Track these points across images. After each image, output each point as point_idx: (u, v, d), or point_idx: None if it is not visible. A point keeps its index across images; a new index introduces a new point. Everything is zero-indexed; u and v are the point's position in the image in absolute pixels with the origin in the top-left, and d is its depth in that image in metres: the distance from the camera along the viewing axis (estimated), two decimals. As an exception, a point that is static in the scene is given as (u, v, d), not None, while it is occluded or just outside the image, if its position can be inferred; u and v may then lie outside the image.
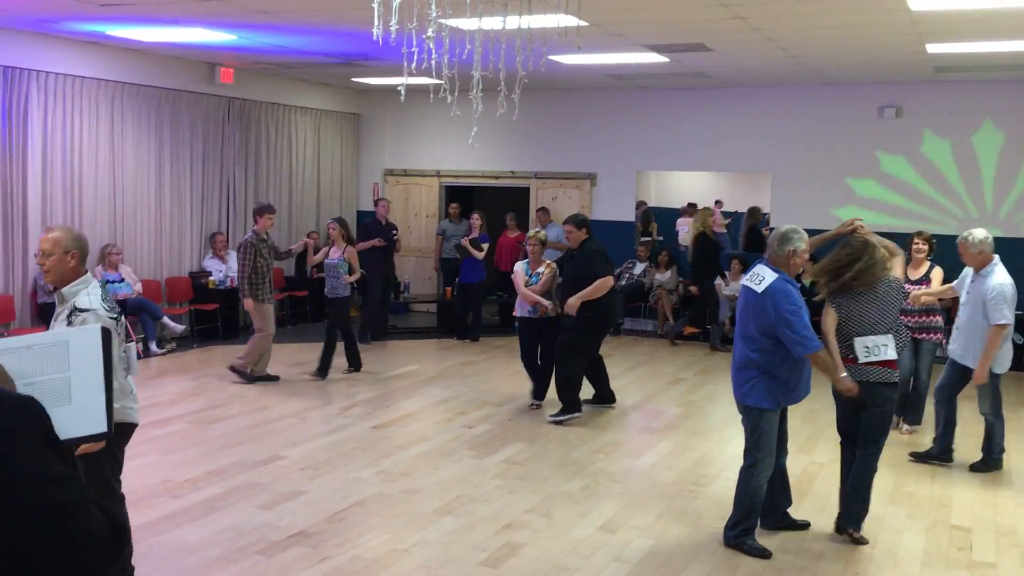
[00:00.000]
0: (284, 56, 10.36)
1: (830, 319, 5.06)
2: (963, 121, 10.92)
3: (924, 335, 7.25)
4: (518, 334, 8.34)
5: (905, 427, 7.49)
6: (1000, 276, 6.26)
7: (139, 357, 9.72)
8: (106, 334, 1.61)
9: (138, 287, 10.22)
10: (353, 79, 12.51)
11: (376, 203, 11.93)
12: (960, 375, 6.55)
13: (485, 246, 11.55)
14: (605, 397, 8.28)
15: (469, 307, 11.52)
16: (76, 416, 1.50)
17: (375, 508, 5.56)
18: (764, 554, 4.94)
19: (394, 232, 11.40)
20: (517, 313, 8.22)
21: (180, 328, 10.49)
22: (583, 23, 7.37)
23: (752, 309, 4.84)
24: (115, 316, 3.78)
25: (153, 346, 10.00)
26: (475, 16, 6.02)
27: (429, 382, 9.15)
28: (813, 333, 4.75)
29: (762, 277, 4.83)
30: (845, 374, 4.94)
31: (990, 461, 6.61)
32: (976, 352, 6.30)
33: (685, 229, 15.40)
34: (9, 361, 1.53)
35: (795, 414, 5.15)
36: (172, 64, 10.82)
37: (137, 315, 9.99)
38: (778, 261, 4.87)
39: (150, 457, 6.35)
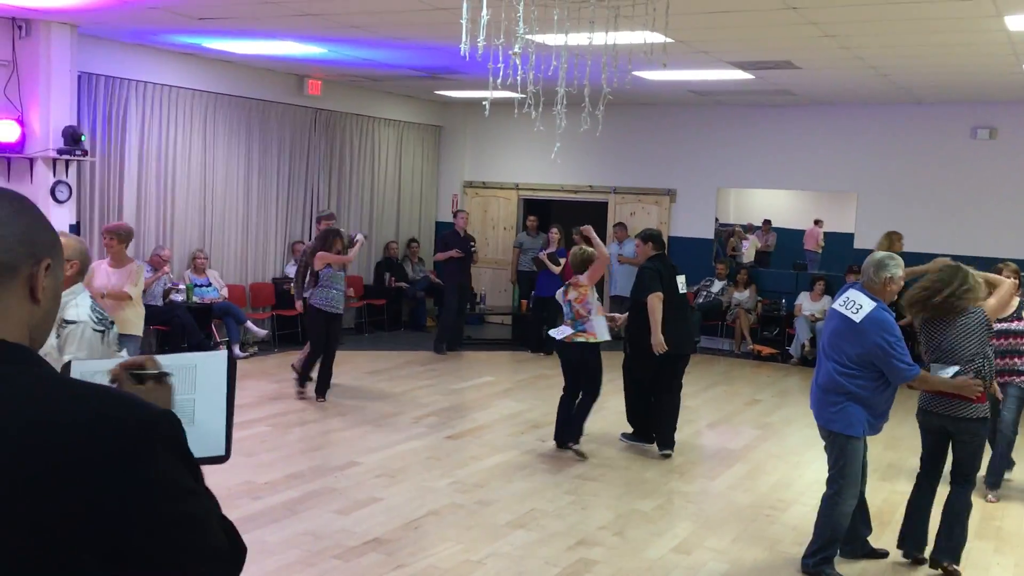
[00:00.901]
0: (370, 69, 10.57)
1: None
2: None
3: (1007, 378, 6.31)
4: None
5: (990, 495, 6.40)
6: None
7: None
8: (232, 361, 1.66)
9: (224, 292, 10.51)
10: (436, 92, 12.68)
11: (455, 214, 12.06)
12: None
13: (563, 260, 11.55)
14: (644, 434, 7.40)
15: (544, 320, 11.53)
16: (197, 438, 1.54)
17: (449, 518, 5.61)
18: None
19: (472, 244, 11.50)
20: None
21: (263, 333, 10.75)
22: (669, 40, 7.35)
23: (847, 336, 4.74)
24: (102, 329, 3.64)
25: (236, 349, 10.27)
26: (561, 32, 6.06)
27: (503, 394, 9.19)
28: (911, 360, 4.73)
29: (859, 305, 4.74)
30: (952, 373, 4.80)
31: None
32: None
33: (746, 246, 15.21)
34: None
35: (877, 441, 5.04)
36: (263, 76, 11.13)
37: (223, 319, 10.28)
38: (874, 288, 4.79)
39: (233, 458, 6.48)
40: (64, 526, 1.16)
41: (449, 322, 11.37)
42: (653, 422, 7.30)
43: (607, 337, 7.05)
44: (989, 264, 6.31)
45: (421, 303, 13.17)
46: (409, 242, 13.60)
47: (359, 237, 8.99)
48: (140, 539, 1.19)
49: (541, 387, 9.55)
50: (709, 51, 8.20)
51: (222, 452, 1.60)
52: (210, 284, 10.38)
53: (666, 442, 7.18)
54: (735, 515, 5.92)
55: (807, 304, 11.59)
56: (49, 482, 1.17)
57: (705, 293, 12.29)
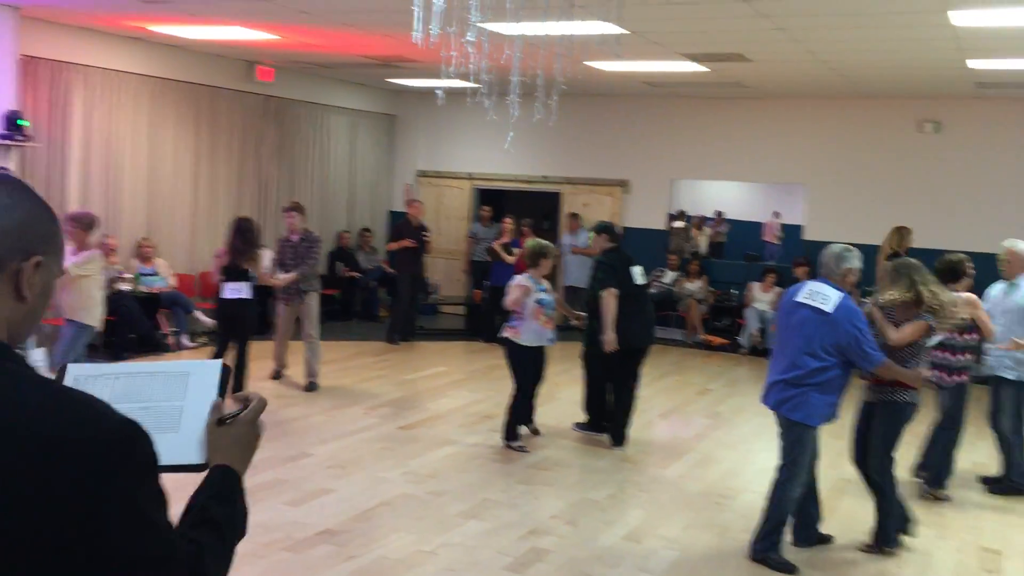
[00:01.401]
0: (323, 55, 10.45)
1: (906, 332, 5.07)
2: (1002, 137, 10.80)
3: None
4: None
5: (932, 491, 6.37)
6: None
7: (170, 350, 9.92)
8: (226, 371, 1.64)
9: (172, 281, 10.33)
10: (389, 80, 12.59)
11: (408, 204, 11.99)
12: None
13: (516, 251, 11.56)
14: (597, 424, 7.40)
15: (498, 310, 11.52)
16: (178, 444, 1.54)
17: (401, 509, 5.58)
18: (790, 568, 4.91)
19: (425, 233, 11.44)
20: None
21: (211, 322, 10.58)
22: (623, 31, 7.37)
23: (820, 327, 4.81)
24: None
25: (185, 339, 10.11)
26: (515, 21, 6.04)
27: (456, 384, 9.17)
28: (877, 347, 4.90)
29: (826, 296, 4.85)
30: (919, 370, 5.13)
31: (1011, 484, 6.47)
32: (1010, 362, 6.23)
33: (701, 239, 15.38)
34: (134, 384, 1.59)
35: (825, 429, 5.11)
36: (211, 61, 10.95)
37: (170, 308, 10.11)
38: (835, 278, 4.95)
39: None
40: (19, 544, 1.10)
41: (402, 312, 11.32)
42: (608, 415, 7.32)
43: (533, 343, 6.87)
44: (935, 255, 6.44)
45: (374, 293, 13.09)
46: (362, 231, 13.50)
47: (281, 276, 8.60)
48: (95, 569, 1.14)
49: (495, 378, 9.54)
50: (662, 43, 8.24)
51: (202, 460, 1.56)
52: (156, 273, 10.20)
53: (619, 439, 7.19)
54: (686, 503, 5.98)
55: (758, 295, 11.74)
56: (13, 493, 1.11)
57: (657, 284, 12.38)
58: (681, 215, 14.48)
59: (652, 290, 12.29)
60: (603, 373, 7.26)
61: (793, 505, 5.01)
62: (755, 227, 16.94)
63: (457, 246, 13.68)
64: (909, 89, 10.47)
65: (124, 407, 1.26)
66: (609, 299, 6.92)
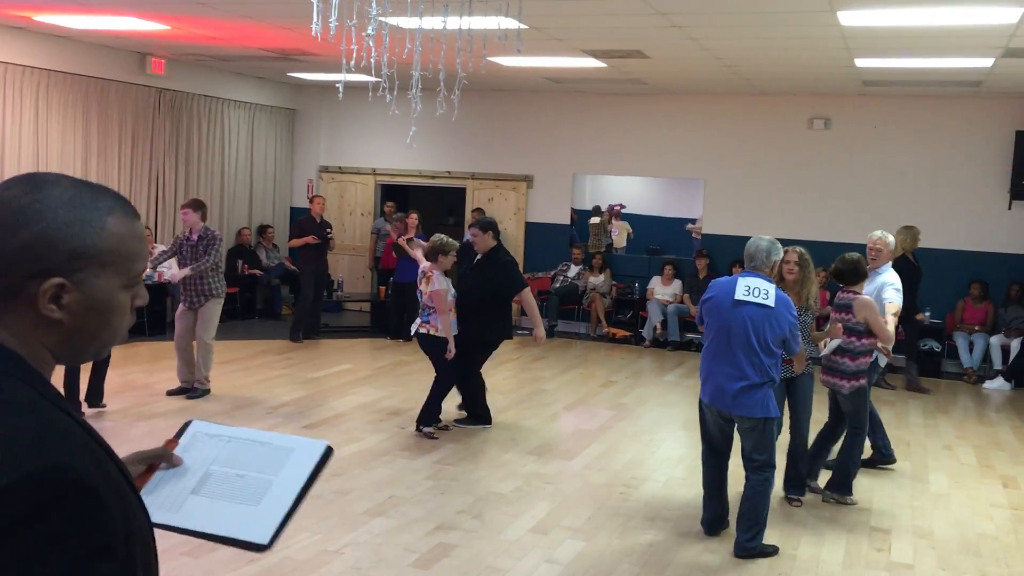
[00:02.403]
0: (219, 48, 10.18)
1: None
2: (887, 133, 11.27)
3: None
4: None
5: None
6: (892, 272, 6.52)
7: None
8: (328, 453, 1.56)
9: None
10: (289, 74, 12.36)
11: (311, 200, 11.81)
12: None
13: (422, 243, 11.51)
14: (477, 417, 7.60)
15: (404, 307, 11.46)
16: (252, 519, 1.48)
17: (305, 509, 5.43)
18: (775, 551, 5.15)
19: (328, 230, 11.28)
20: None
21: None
22: (523, 26, 7.40)
23: (766, 322, 4.95)
24: None
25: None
26: (415, 15, 6.01)
27: (362, 382, 9.08)
28: None
29: (764, 290, 4.98)
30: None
31: (881, 457, 6.82)
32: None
33: (615, 232, 15.61)
34: (240, 450, 1.55)
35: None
36: (101, 53, 10.55)
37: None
38: (765, 271, 5.10)
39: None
40: None
41: (305, 310, 11.14)
42: (476, 403, 7.59)
43: (452, 332, 7.02)
44: (826, 248, 6.67)
45: (276, 290, 12.84)
46: (263, 228, 13.23)
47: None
48: None
49: (400, 374, 9.49)
50: (563, 38, 8.31)
51: (265, 542, 1.48)
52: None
53: (486, 417, 7.54)
54: (591, 494, 6.06)
55: (659, 288, 11.99)
56: None
57: (562, 278, 12.51)
58: (596, 210, 14.66)
59: (556, 284, 12.44)
60: (465, 366, 7.31)
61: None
62: (658, 221, 17.22)
63: (361, 242, 13.54)
64: (801, 87, 10.83)
65: (222, 471, 1.28)
66: (529, 294, 7.43)
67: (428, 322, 7.08)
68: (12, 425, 1.09)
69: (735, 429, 5.23)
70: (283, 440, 1.61)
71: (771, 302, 4.95)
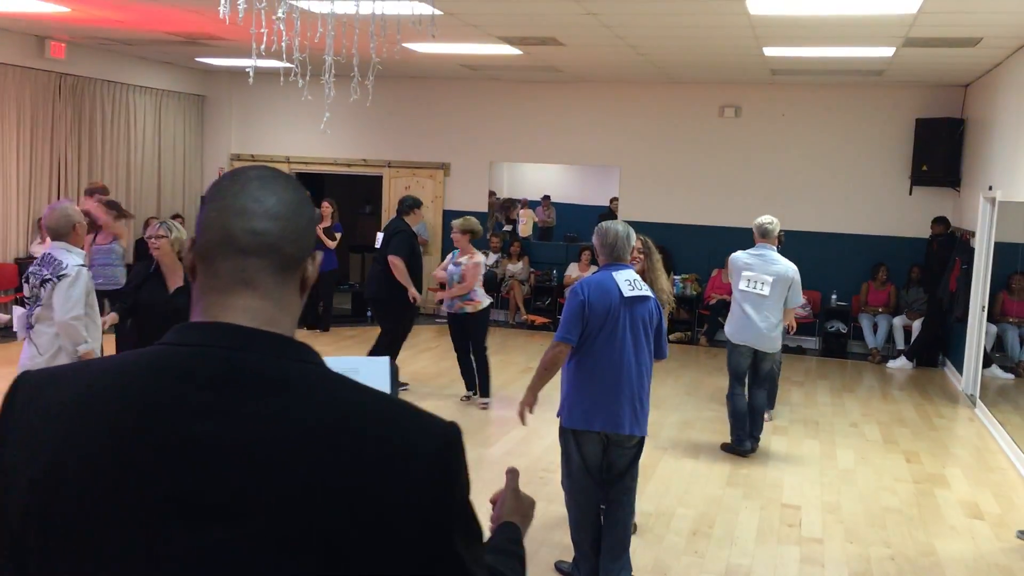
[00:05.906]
0: (122, 32, 9.84)
1: None
2: (794, 120, 11.57)
3: None
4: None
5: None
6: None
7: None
8: (395, 368, 1.58)
9: (-43, 274, 9.50)
10: (197, 59, 12.03)
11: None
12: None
13: (338, 235, 11.37)
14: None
15: (320, 297, 11.31)
16: None
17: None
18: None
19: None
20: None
21: (5, 318, 9.82)
22: (438, 12, 7.35)
23: (654, 315, 4.40)
24: None
25: (-26, 337, 9.32)
26: (327, -1, 5.90)
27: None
28: None
29: (640, 280, 4.43)
30: None
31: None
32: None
33: (523, 221, 15.70)
34: None
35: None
36: (-4, 35, 10.10)
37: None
38: (627, 259, 4.50)
39: None
40: (338, 547, 1.05)
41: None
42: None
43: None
44: (736, 233, 6.81)
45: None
46: (172, 218, 12.85)
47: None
48: None
49: (317, 364, 9.35)
50: (478, 25, 8.28)
51: None
52: (-60, 266, 9.35)
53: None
54: (511, 479, 6.07)
55: (576, 274, 12.06)
56: (346, 497, 1.07)
57: (480, 265, 12.50)
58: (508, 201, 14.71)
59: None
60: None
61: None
62: (577, 209, 17.35)
63: (275, 232, 13.28)
64: (711, 75, 11.02)
65: None
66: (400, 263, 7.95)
67: (471, 300, 7.79)
68: (398, 400, 1.20)
69: (615, 453, 4.44)
70: (340, 363, 1.63)
71: (648, 291, 4.40)
